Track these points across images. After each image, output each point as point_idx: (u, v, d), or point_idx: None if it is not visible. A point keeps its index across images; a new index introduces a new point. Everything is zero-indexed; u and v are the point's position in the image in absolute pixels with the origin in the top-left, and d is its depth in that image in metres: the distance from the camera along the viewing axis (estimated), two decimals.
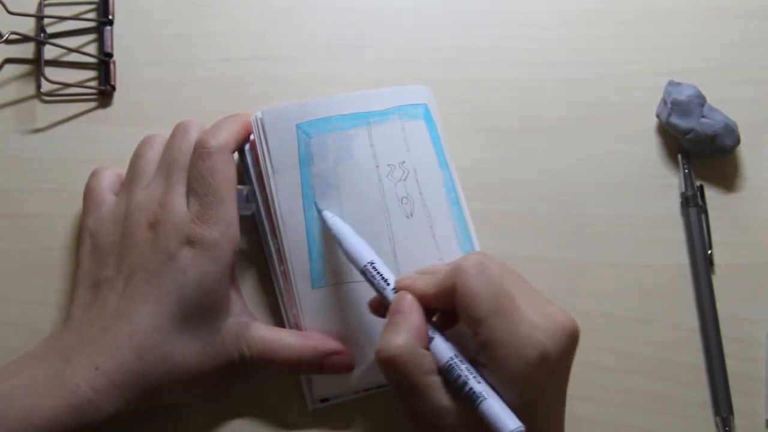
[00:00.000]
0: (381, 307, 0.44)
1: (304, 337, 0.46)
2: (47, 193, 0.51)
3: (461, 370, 0.40)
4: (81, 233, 0.48)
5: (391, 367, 0.40)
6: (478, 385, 0.39)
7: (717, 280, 0.52)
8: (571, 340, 0.40)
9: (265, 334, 0.46)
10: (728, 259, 0.52)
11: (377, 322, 0.45)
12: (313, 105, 0.49)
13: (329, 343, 0.46)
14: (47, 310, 0.49)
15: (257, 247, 0.50)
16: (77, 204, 0.50)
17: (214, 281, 0.44)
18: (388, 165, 0.49)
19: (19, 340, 0.47)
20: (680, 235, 0.53)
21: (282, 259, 0.48)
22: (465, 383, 0.39)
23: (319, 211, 0.47)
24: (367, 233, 0.46)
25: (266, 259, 0.50)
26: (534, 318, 0.39)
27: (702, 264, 0.52)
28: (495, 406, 0.38)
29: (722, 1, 0.58)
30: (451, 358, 0.40)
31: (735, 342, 0.51)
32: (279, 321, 0.49)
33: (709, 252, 0.52)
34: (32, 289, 0.50)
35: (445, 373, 0.40)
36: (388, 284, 0.44)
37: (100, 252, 0.46)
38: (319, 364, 0.46)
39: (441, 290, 0.42)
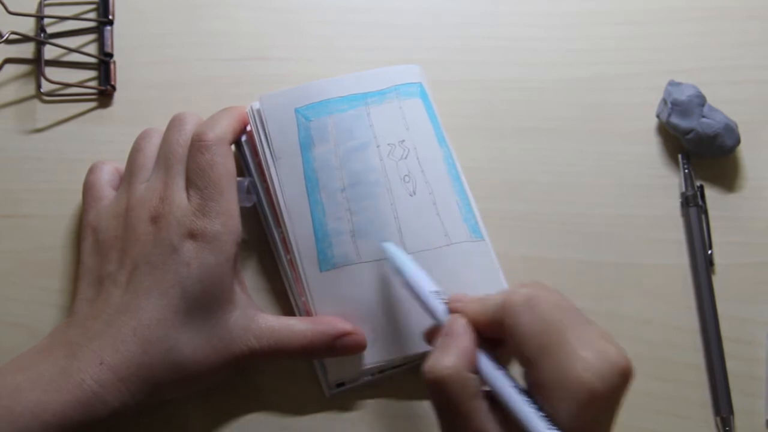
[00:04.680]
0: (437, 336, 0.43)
1: (313, 321, 0.47)
2: (47, 193, 0.51)
3: (520, 398, 0.38)
4: (82, 228, 0.48)
5: (438, 388, 0.39)
6: (537, 413, 0.38)
7: (717, 280, 0.52)
8: (623, 379, 0.38)
9: (274, 324, 0.46)
10: (728, 259, 0.52)
11: (388, 300, 0.46)
12: (310, 88, 0.49)
13: (339, 325, 0.46)
14: (47, 310, 0.49)
15: (261, 239, 0.50)
16: (77, 204, 0.51)
17: (217, 273, 0.44)
18: (388, 144, 0.49)
19: (19, 340, 0.47)
20: (680, 235, 0.53)
21: (288, 248, 0.48)
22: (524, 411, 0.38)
23: (382, 245, 0.47)
24: (371, 213, 0.47)
25: (271, 251, 0.50)
26: (586, 355, 0.37)
27: (702, 264, 0.52)
28: None
29: (722, 1, 0.58)
30: (512, 387, 0.39)
31: (735, 342, 0.51)
32: (287, 311, 0.49)
33: (709, 252, 0.52)
34: (32, 289, 0.50)
35: (504, 402, 0.39)
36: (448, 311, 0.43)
37: (102, 247, 0.47)
38: (330, 346, 0.46)
39: (489, 322, 0.41)
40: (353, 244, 0.47)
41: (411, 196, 0.48)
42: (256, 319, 0.46)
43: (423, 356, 0.47)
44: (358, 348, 0.47)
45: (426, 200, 0.49)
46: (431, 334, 0.44)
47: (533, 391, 0.39)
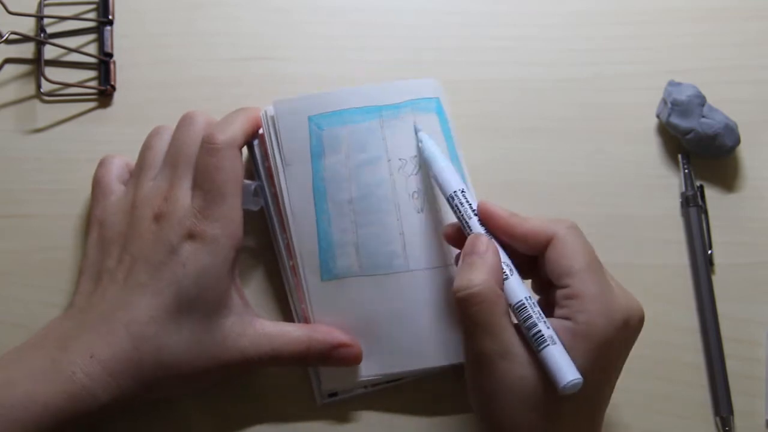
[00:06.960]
0: (458, 236, 0.45)
1: (311, 329, 0.47)
2: (47, 193, 0.51)
3: (533, 312, 0.41)
4: (89, 223, 0.48)
5: (470, 304, 0.41)
6: (547, 330, 0.40)
7: (717, 280, 0.52)
8: (640, 323, 0.43)
9: (270, 330, 0.46)
10: (728, 259, 0.52)
11: (387, 315, 0.46)
12: (325, 97, 0.49)
13: (336, 336, 0.46)
14: (47, 310, 0.49)
15: (267, 244, 0.50)
16: (77, 204, 0.51)
17: (213, 276, 0.44)
18: (399, 159, 0.48)
19: (19, 341, 0.47)
20: (680, 235, 0.53)
21: (291, 254, 0.48)
22: (534, 325, 0.40)
23: (416, 131, 0.48)
24: (377, 227, 0.47)
25: (275, 255, 0.50)
26: (617, 290, 0.42)
27: (702, 264, 0.52)
28: (558, 354, 0.39)
29: (722, 1, 0.58)
30: (526, 299, 0.41)
31: (735, 342, 0.51)
32: (287, 316, 0.49)
33: (709, 252, 0.52)
34: (32, 289, 0.50)
35: (516, 312, 0.41)
36: (476, 214, 0.44)
37: (106, 242, 0.47)
38: (326, 356, 0.46)
39: (532, 233, 0.43)
40: (356, 257, 0.47)
41: (418, 212, 0.48)
42: (253, 325, 0.46)
43: (418, 373, 0.48)
44: (354, 360, 0.47)
45: (433, 218, 0.48)
46: (452, 233, 0.46)
47: (569, 303, 0.41)
